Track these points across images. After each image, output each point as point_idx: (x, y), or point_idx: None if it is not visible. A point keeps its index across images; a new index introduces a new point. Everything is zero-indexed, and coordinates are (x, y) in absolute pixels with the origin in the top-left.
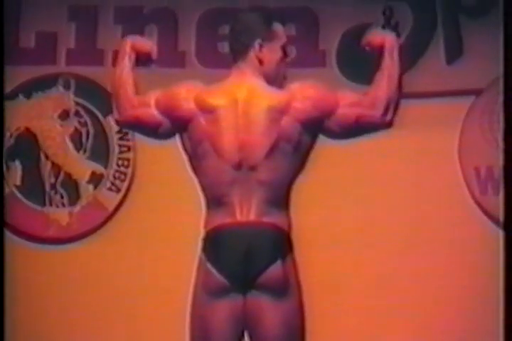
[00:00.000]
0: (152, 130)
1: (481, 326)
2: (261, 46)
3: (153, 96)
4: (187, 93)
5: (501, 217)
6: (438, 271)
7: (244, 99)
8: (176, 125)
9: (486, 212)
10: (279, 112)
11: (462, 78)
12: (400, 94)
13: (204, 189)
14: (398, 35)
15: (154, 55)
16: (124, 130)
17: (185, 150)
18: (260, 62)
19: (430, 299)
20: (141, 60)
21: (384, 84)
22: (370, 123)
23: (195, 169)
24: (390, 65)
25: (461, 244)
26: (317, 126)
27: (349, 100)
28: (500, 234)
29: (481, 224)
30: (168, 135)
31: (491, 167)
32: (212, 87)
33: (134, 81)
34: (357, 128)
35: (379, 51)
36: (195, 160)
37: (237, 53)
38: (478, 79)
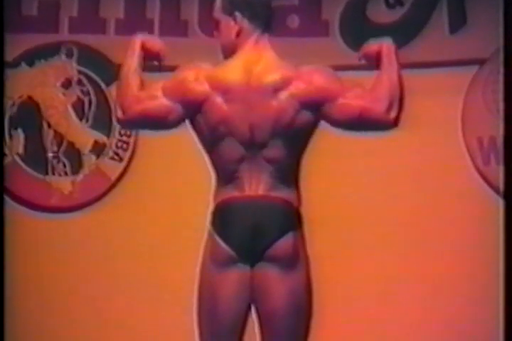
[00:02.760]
0: (160, 120)
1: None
2: None
3: (158, 87)
4: (197, 74)
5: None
6: (442, 243)
7: (258, 75)
8: (189, 109)
9: (488, 183)
10: (282, 90)
11: (465, 48)
12: (403, 96)
13: (215, 165)
14: (401, 5)
15: (163, 55)
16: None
17: (199, 133)
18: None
19: (436, 270)
20: (150, 58)
21: (385, 85)
22: (374, 118)
23: (209, 149)
24: (390, 68)
25: (465, 215)
26: (318, 109)
27: (354, 92)
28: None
29: (484, 194)
30: (177, 122)
31: (494, 137)
32: (225, 63)
33: (140, 79)
34: (360, 122)
35: (377, 60)
36: (210, 142)
37: (268, 23)
38: (482, 48)
